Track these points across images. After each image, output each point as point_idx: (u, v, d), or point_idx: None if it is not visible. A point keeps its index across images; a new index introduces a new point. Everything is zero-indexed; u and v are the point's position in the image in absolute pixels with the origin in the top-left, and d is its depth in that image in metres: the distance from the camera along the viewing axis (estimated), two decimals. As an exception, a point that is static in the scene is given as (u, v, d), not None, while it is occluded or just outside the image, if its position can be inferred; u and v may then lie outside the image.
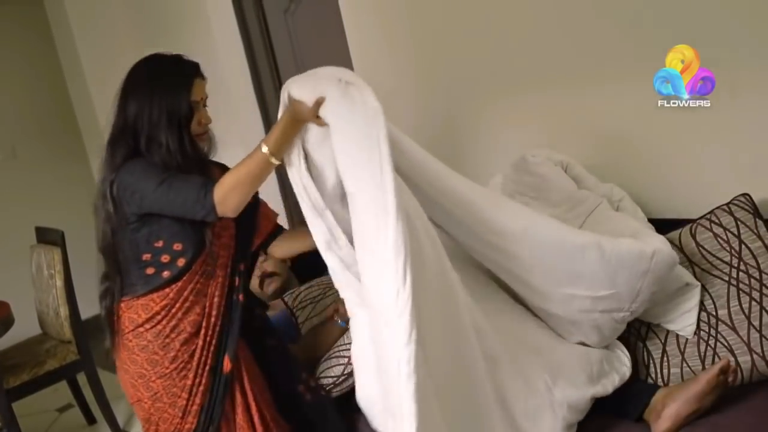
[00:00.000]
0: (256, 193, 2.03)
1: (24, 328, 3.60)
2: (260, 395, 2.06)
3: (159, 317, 1.95)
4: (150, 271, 1.94)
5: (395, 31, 3.05)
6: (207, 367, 1.97)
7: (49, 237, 3.58)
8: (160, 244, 1.93)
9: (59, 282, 3.43)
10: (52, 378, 3.42)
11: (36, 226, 3.77)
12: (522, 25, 2.63)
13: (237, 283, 2.05)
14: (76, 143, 5.20)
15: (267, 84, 4.01)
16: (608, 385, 1.97)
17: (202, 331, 1.97)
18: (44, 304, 3.59)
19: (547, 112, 2.66)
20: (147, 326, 1.95)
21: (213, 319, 1.98)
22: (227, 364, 1.99)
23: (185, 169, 1.88)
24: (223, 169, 2.09)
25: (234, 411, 2.02)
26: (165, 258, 1.94)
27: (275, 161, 1.78)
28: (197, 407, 1.96)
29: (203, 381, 1.97)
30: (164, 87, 1.91)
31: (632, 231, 2.09)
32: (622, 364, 2.05)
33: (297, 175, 1.81)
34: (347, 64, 3.30)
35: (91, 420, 3.81)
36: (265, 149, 1.76)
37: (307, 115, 1.73)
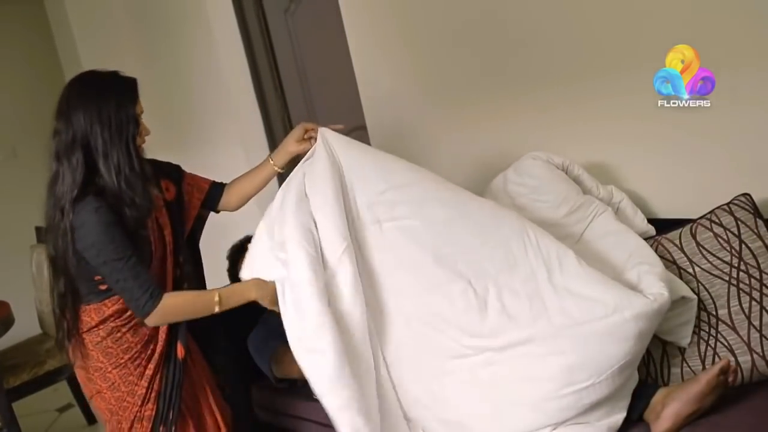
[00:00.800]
0: (180, 175, 2.25)
1: (24, 327, 3.60)
2: (209, 380, 2.20)
3: (112, 318, 2.01)
4: (102, 287, 2.00)
5: (395, 30, 3.05)
6: (161, 355, 2.05)
7: (49, 237, 3.58)
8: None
9: (59, 282, 3.43)
10: (52, 378, 3.42)
11: (36, 226, 3.77)
12: (522, 25, 2.62)
13: (179, 274, 2.14)
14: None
15: (267, 84, 4.01)
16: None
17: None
18: (44, 304, 3.59)
19: (547, 112, 2.66)
20: (101, 326, 2.02)
21: None
22: (180, 350, 2.07)
23: (132, 184, 1.95)
24: (172, 171, 2.25)
25: (190, 396, 2.13)
26: None
27: (217, 310, 1.98)
28: (155, 393, 2.04)
29: (159, 368, 2.04)
30: (113, 102, 1.96)
31: (623, 262, 2.07)
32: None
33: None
34: (347, 63, 3.31)
35: (91, 420, 3.80)
36: (216, 301, 1.98)
37: (266, 304, 2.04)
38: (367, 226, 2.09)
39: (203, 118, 4.23)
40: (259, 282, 2.05)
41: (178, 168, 2.28)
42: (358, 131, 3.62)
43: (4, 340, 3.31)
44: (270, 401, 2.54)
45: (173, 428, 2.04)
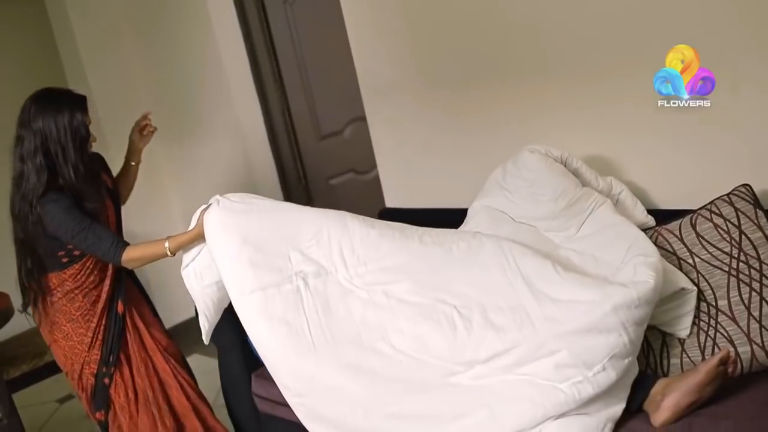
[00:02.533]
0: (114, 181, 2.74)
1: (23, 319, 3.58)
2: (150, 325, 2.71)
3: (68, 283, 2.51)
4: (64, 260, 2.49)
5: (395, 20, 3.04)
6: (105, 311, 2.57)
7: (48, 228, 3.58)
8: (71, 246, 2.47)
9: (59, 273, 3.43)
10: (52, 369, 3.41)
11: (35, 218, 3.76)
12: (524, 16, 2.61)
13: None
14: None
15: (266, 74, 4.00)
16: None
17: (100, 285, 2.56)
18: (44, 295, 3.59)
19: (547, 104, 2.65)
20: (58, 289, 2.52)
21: (108, 276, 2.56)
22: (120, 307, 2.60)
23: (87, 181, 2.44)
24: (104, 163, 2.72)
25: (128, 342, 2.63)
26: (77, 252, 2.49)
27: (170, 254, 2.37)
28: (100, 341, 2.56)
29: (103, 322, 2.56)
30: (66, 113, 2.40)
31: (622, 254, 2.07)
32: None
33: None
34: (347, 53, 3.30)
35: (91, 411, 3.81)
36: (167, 247, 2.36)
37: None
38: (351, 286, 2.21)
39: (202, 108, 4.22)
40: (198, 227, 2.32)
41: (104, 159, 2.75)
42: (357, 122, 3.62)
43: (4, 331, 3.30)
44: (268, 391, 2.55)
45: (113, 369, 2.57)
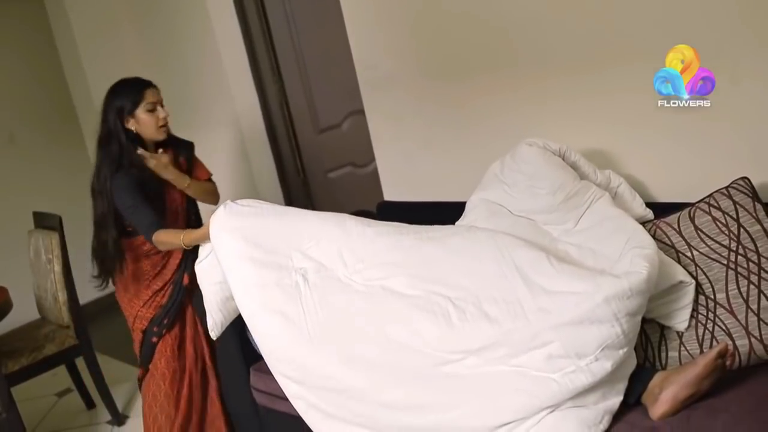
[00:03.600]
0: (192, 153, 2.96)
1: (22, 313, 3.61)
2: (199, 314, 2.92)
3: (136, 248, 2.81)
4: (129, 229, 2.78)
5: (394, 13, 3.03)
6: (170, 279, 2.86)
7: (47, 222, 3.58)
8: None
9: (57, 267, 3.44)
10: (50, 363, 3.43)
11: (34, 211, 3.77)
12: (523, 10, 2.61)
13: (192, 221, 2.96)
14: (74, 129, 5.20)
15: (264, 66, 4.00)
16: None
17: (167, 256, 2.85)
18: (42, 289, 3.59)
19: (547, 98, 2.65)
20: (129, 253, 2.81)
21: (178, 249, 2.72)
22: (186, 279, 2.85)
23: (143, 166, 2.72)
24: (185, 148, 2.93)
25: (185, 317, 2.91)
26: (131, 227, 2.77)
27: (185, 246, 2.53)
28: (156, 303, 2.84)
29: (165, 288, 2.85)
30: (117, 103, 2.68)
31: (620, 248, 2.06)
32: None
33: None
34: (345, 46, 3.29)
35: (90, 404, 3.82)
36: (182, 239, 2.52)
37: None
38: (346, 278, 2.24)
39: (200, 101, 4.22)
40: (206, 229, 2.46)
41: (191, 145, 2.96)
42: (355, 115, 3.61)
43: (3, 325, 3.31)
44: (266, 385, 2.55)
45: (164, 331, 2.84)
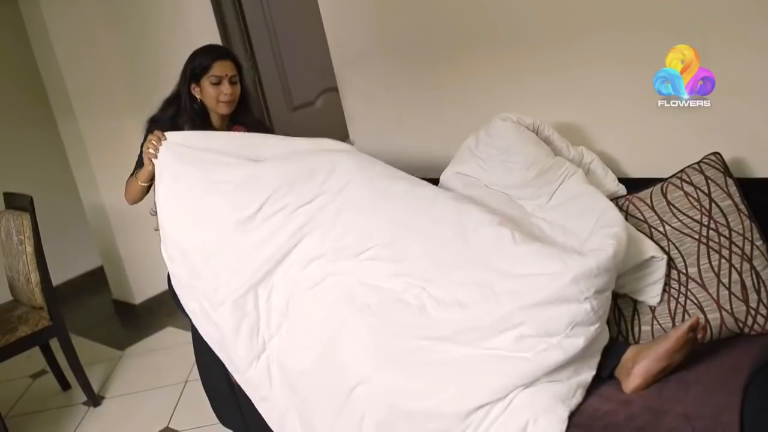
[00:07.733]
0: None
1: (-6, 295, 3.58)
2: None
3: None
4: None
5: (366, -10, 3.01)
6: None
7: (17, 203, 3.53)
8: None
9: (29, 248, 3.40)
10: (24, 344, 3.39)
11: (4, 192, 3.71)
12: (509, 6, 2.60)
13: None
14: (44, 110, 5.12)
15: (237, 45, 3.95)
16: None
17: None
18: (14, 271, 3.55)
19: (520, 73, 2.65)
20: None
21: None
22: None
23: (181, 118, 2.71)
24: (251, 123, 2.84)
25: None
26: None
27: (143, 184, 2.56)
28: None
29: None
30: (190, 60, 2.73)
31: (591, 225, 2.08)
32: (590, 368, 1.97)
33: None
34: (318, 24, 3.26)
35: (65, 385, 3.80)
36: (138, 180, 2.57)
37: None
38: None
39: (172, 81, 4.16)
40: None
41: (262, 123, 2.99)
42: (329, 93, 3.59)
43: (-25, 307, 3.28)
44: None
45: None
